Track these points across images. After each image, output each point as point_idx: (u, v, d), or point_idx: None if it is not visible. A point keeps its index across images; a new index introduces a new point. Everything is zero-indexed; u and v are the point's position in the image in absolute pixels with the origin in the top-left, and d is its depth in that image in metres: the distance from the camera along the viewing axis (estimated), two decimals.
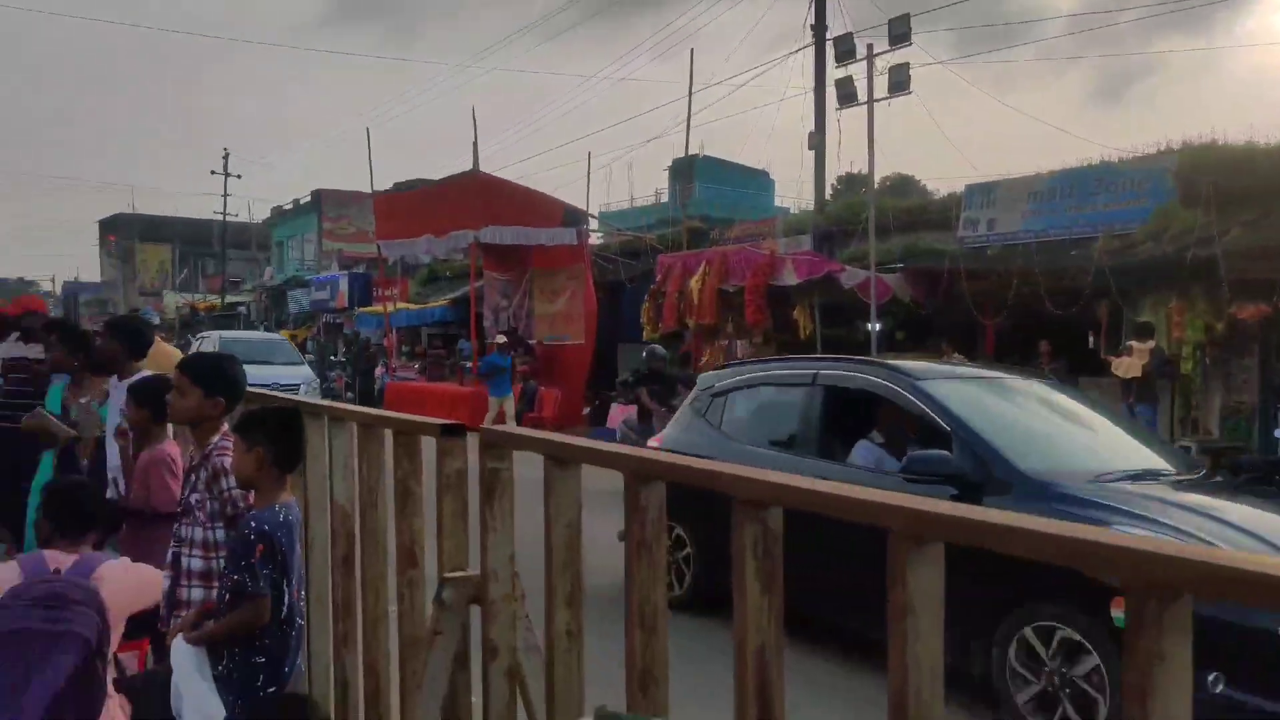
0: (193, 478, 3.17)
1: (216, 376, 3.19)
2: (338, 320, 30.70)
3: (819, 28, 19.71)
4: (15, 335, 7.18)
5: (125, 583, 3.54)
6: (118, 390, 4.84)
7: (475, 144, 19.21)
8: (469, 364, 18.09)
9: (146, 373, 4.86)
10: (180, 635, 2.81)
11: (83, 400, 5.08)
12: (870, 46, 13.40)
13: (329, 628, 2.69)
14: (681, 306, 15.29)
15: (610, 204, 29.70)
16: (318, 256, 43.88)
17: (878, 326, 12.68)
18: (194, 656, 2.73)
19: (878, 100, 13.09)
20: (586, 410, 17.43)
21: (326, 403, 3.60)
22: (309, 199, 45.87)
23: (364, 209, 43.20)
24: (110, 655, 3.52)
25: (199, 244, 55.79)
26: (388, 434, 2.36)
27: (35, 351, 6.77)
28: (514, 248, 19.10)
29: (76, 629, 3.33)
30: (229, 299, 43.83)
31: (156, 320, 21.38)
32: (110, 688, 3.49)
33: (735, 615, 1.28)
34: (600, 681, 1.77)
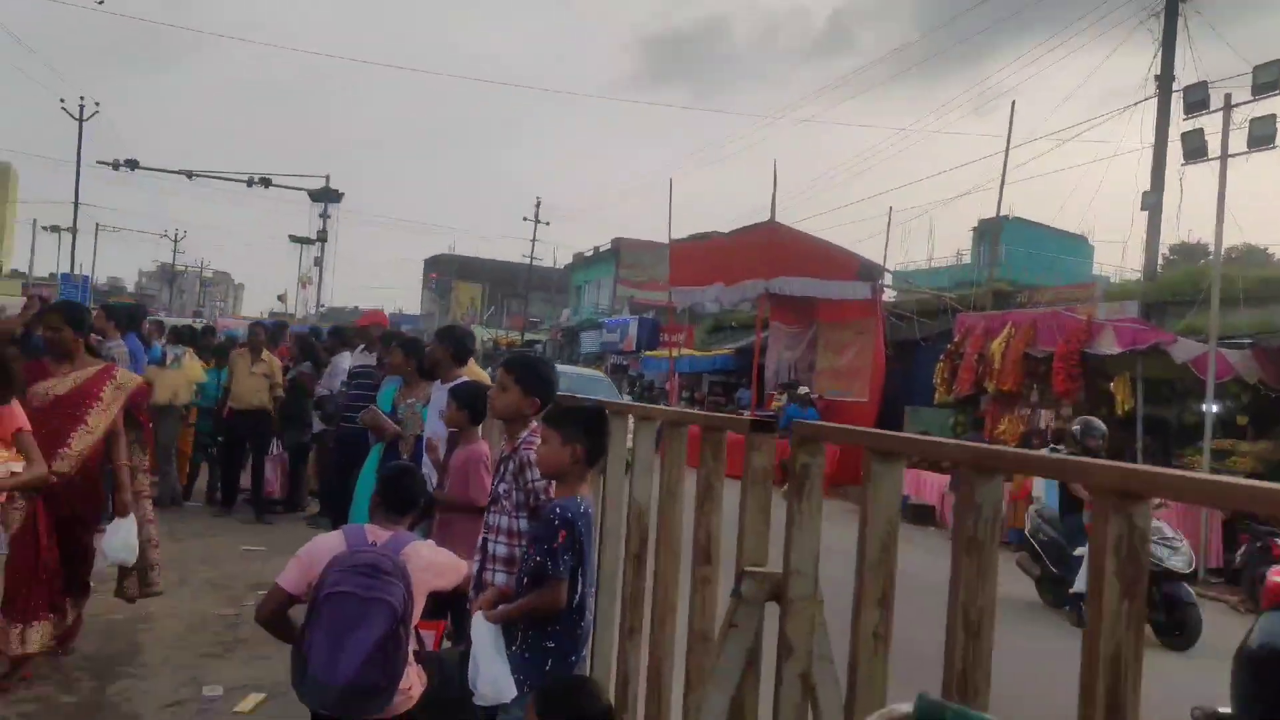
0: (502, 469, 3.38)
1: (536, 378, 3.40)
2: (624, 362, 32.10)
3: (1164, 77, 18.16)
4: (361, 347, 8.14)
5: (429, 561, 3.83)
6: (439, 393, 5.30)
7: (774, 196, 19.46)
8: (746, 413, 18.19)
9: (466, 378, 5.30)
10: (480, 612, 2.98)
11: (409, 402, 5.63)
12: (1228, 97, 12.11)
13: (615, 620, 2.74)
14: (980, 370, 14.40)
15: (908, 262, 28.83)
16: (611, 301, 46.21)
17: (1214, 408, 11.22)
18: (492, 633, 2.88)
19: (1233, 155, 11.75)
20: None
21: (633, 403, 3.74)
22: (608, 247, 48.55)
23: (658, 258, 45.11)
24: (412, 627, 3.81)
25: (506, 284, 60.64)
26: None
27: (374, 359, 7.65)
28: (803, 300, 19.04)
29: (386, 597, 3.64)
30: (528, 336, 47.26)
31: None
32: (410, 657, 3.78)
33: (1089, 618, 1.13)
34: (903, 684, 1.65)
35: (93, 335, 9.76)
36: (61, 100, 36.71)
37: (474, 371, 6.96)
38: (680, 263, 22.57)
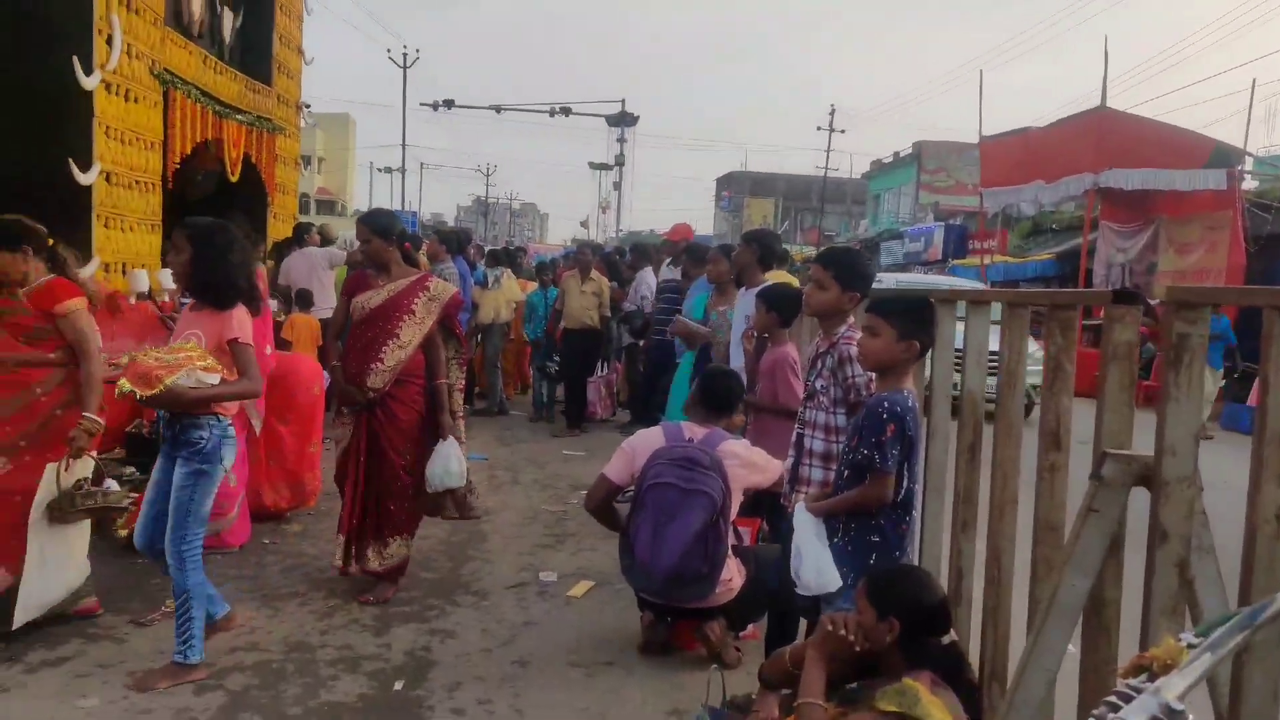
0: (818, 364, 3.30)
1: (854, 273, 3.27)
2: (929, 273, 30.60)
3: None
4: (668, 261, 8.35)
5: (745, 458, 3.87)
6: (745, 298, 5.29)
7: (1104, 78, 17.36)
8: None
9: (773, 281, 5.24)
10: (802, 504, 2.96)
11: (720, 309, 5.68)
12: None
13: (944, 515, 2.60)
14: None
15: (1274, 145, 24.74)
16: (913, 210, 44.08)
17: None
18: (814, 525, 2.85)
19: None
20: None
21: (968, 287, 3.49)
22: (909, 151, 46.15)
23: (964, 160, 42.17)
24: (730, 521, 3.89)
25: (799, 199, 59.63)
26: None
27: (680, 274, 7.82)
28: (1140, 193, 17.01)
29: (705, 489, 3.73)
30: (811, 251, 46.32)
31: None
32: (729, 550, 3.86)
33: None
34: None
35: (424, 258, 10.88)
36: (388, 50, 40.40)
37: (781, 276, 6.90)
38: (992, 162, 20.97)
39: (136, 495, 5.34)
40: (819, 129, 49.84)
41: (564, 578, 4.98)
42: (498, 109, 31.53)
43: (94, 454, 3.94)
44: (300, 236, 9.47)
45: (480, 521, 5.88)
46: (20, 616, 3.68)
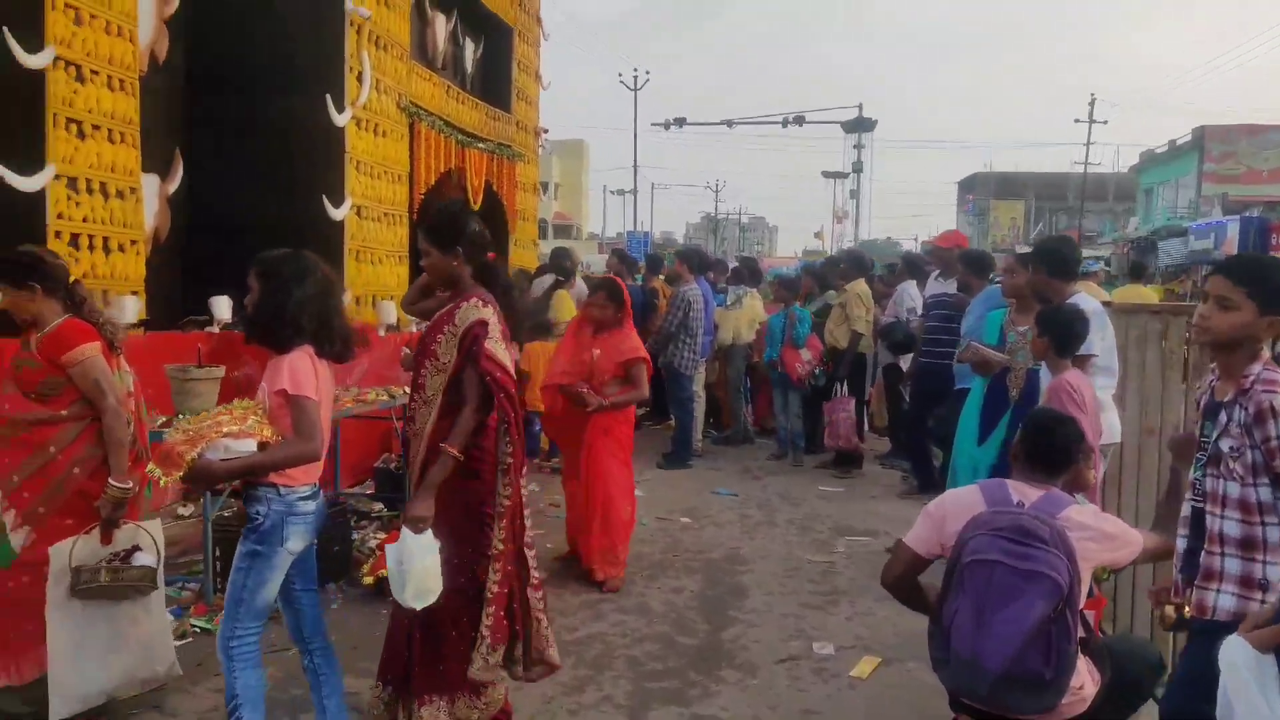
0: (1222, 418, 2.41)
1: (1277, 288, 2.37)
2: None
3: None
4: (936, 273, 7.41)
5: (1096, 530, 2.98)
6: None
7: None
8: None
9: (1074, 299, 4.31)
10: (1237, 639, 2.09)
11: (1020, 329, 4.76)
12: None
13: None
14: None
15: None
16: (1195, 202, 39.51)
17: None
18: (1256, 663, 1.99)
19: None
20: None
21: None
22: (1188, 139, 41.52)
23: (1259, 144, 37.39)
24: (1078, 610, 3.01)
25: (1053, 197, 55.39)
26: None
27: (954, 288, 6.86)
28: None
29: (1047, 570, 2.86)
30: (1086, 253, 42.41)
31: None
32: (1078, 647, 2.99)
33: None
34: None
35: (665, 280, 10.44)
36: (619, 74, 41.26)
37: (1093, 290, 5.86)
38: None
39: (385, 536, 5.23)
40: (1077, 121, 46.09)
41: (842, 650, 4.23)
42: (729, 123, 31.19)
43: (133, 522, 3.37)
44: (560, 265, 9.12)
45: (740, 570, 5.24)
46: (59, 708, 3.14)
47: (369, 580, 4.57)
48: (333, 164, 6.95)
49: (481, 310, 3.06)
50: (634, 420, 5.45)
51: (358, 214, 7.18)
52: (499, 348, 3.06)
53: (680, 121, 31.62)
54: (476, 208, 9.75)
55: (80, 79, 5.44)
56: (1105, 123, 60.96)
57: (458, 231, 3.15)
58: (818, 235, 39.42)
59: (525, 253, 11.43)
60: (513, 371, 3.16)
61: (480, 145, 9.68)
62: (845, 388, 7.99)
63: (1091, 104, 45.75)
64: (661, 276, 10.01)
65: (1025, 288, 4.78)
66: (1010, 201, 59.55)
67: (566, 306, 8.07)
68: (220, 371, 4.80)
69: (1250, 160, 34.24)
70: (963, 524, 3.05)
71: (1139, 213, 45.22)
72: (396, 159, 7.84)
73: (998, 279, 5.81)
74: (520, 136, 11.15)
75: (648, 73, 41.68)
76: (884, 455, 8.44)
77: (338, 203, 6.85)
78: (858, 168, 32.44)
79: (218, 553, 4.47)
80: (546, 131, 12.04)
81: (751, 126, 32.96)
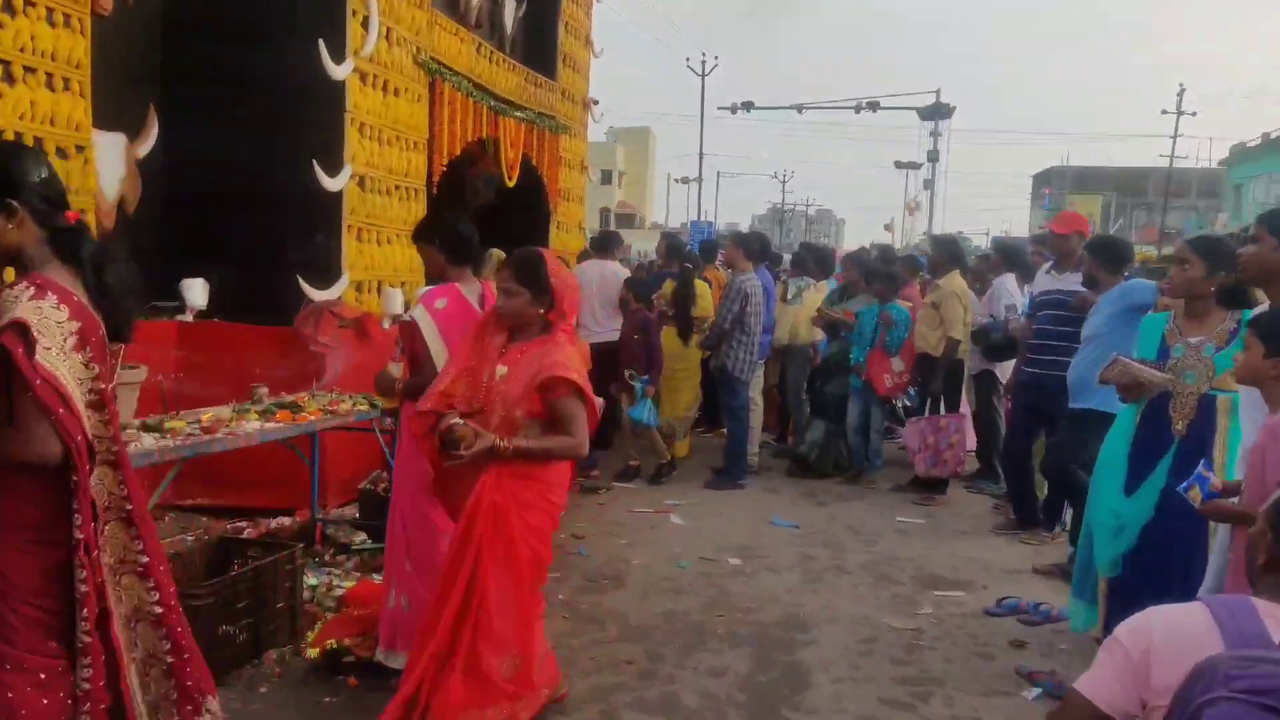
0: None
1: None
2: None
3: None
4: (1048, 266, 6.13)
5: None
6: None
7: None
8: None
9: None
10: None
11: (1192, 341, 3.53)
12: None
13: None
14: None
15: None
16: None
17: None
18: None
19: None
20: None
21: None
22: None
23: None
24: None
25: (1133, 193, 52.90)
26: None
27: (1072, 282, 5.59)
28: None
29: None
30: (1165, 251, 40.05)
31: None
32: None
33: None
34: None
35: (720, 267, 9.31)
36: (686, 59, 40.02)
37: None
38: None
39: (352, 584, 4.16)
40: (1164, 113, 43.53)
41: None
42: (799, 108, 29.71)
43: None
44: (604, 245, 8.10)
45: (800, 641, 4.09)
46: None
47: (313, 651, 3.52)
48: (329, 124, 5.93)
49: (31, 304, 1.93)
50: (563, 493, 3.11)
51: (360, 185, 6.16)
52: (65, 364, 1.95)
53: (748, 105, 30.28)
54: (511, 184, 8.72)
55: (9, 9, 4.49)
56: (1195, 114, 57.64)
57: (9, 176, 2.05)
58: (887, 228, 37.73)
59: (569, 237, 10.36)
60: (73, 400, 1.97)
61: (517, 114, 8.62)
62: (942, 404, 6.78)
63: (1180, 95, 43.30)
64: (717, 264, 8.87)
65: (1198, 284, 3.56)
66: (1088, 196, 56.96)
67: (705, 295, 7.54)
68: (140, 374, 3.79)
69: None
70: (1183, 672, 1.85)
71: (1227, 208, 42.60)
72: (412, 123, 6.80)
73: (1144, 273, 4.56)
74: (566, 107, 10.07)
75: (716, 58, 40.12)
76: (970, 478, 7.19)
77: (333, 170, 5.84)
78: (933, 156, 30.75)
79: None
80: (597, 103, 10.94)
81: (821, 113, 31.62)
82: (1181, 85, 43.11)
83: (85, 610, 1.98)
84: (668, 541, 5.46)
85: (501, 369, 2.94)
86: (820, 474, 7.16)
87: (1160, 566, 3.47)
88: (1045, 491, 5.86)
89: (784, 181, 69.44)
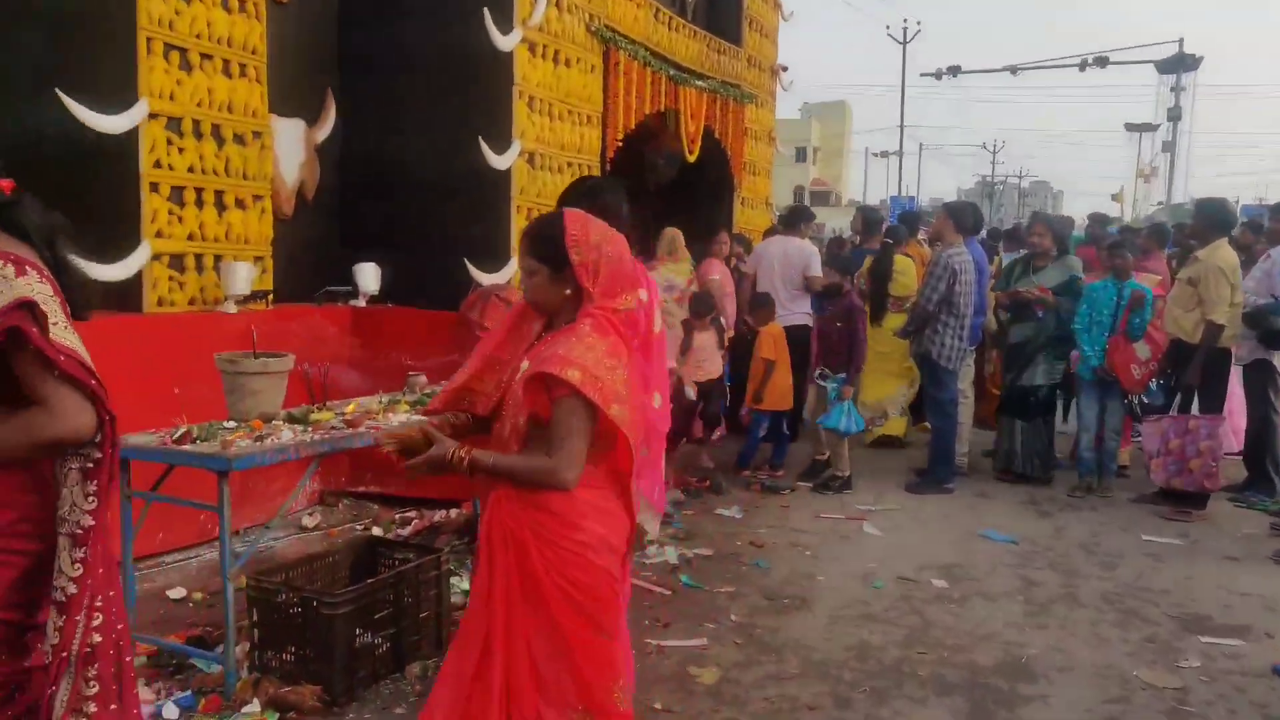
0: None
1: None
2: None
3: None
4: None
5: None
6: None
7: None
8: None
9: None
10: None
11: None
12: None
13: None
14: None
15: None
16: None
17: None
18: None
19: None
20: None
21: None
22: None
23: None
24: None
25: None
26: None
27: None
28: None
29: None
30: None
31: None
32: None
33: None
34: None
35: (923, 242, 8.42)
36: (887, 27, 38.18)
37: None
38: None
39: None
40: None
41: None
42: (1013, 69, 27.48)
43: None
44: (791, 220, 7.52)
45: (1024, 696, 3.35)
46: None
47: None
48: (497, 100, 5.62)
49: (22, 281, 1.65)
50: (600, 543, 2.26)
51: (529, 162, 5.83)
52: (75, 337, 1.71)
53: (954, 70, 28.36)
54: (692, 158, 8.20)
55: None
56: None
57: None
58: (1115, 198, 34.23)
59: (755, 214, 9.74)
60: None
61: (698, 83, 8.08)
62: (1196, 400, 5.67)
63: None
64: (920, 239, 8.00)
65: None
66: None
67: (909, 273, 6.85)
68: (288, 363, 3.55)
69: None
70: None
71: None
72: (585, 95, 6.41)
73: None
74: (752, 75, 9.43)
75: (919, 23, 38.05)
76: (1237, 488, 6.03)
77: (501, 148, 5.52)
78: (1174, 115, 27.56)
79: (255, 617, 3.23)
80: (786, 70, 10.22)
81: (1038, 76, 29.07)
82: None
83: (70, 615, 1.67)
84: (860, 555, 4.79)
85: (525, 364, 2.30)
86: (1027, 478, 6.21)
87: None
88: None
89: (994, 152, 65.24)
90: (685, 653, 3.55)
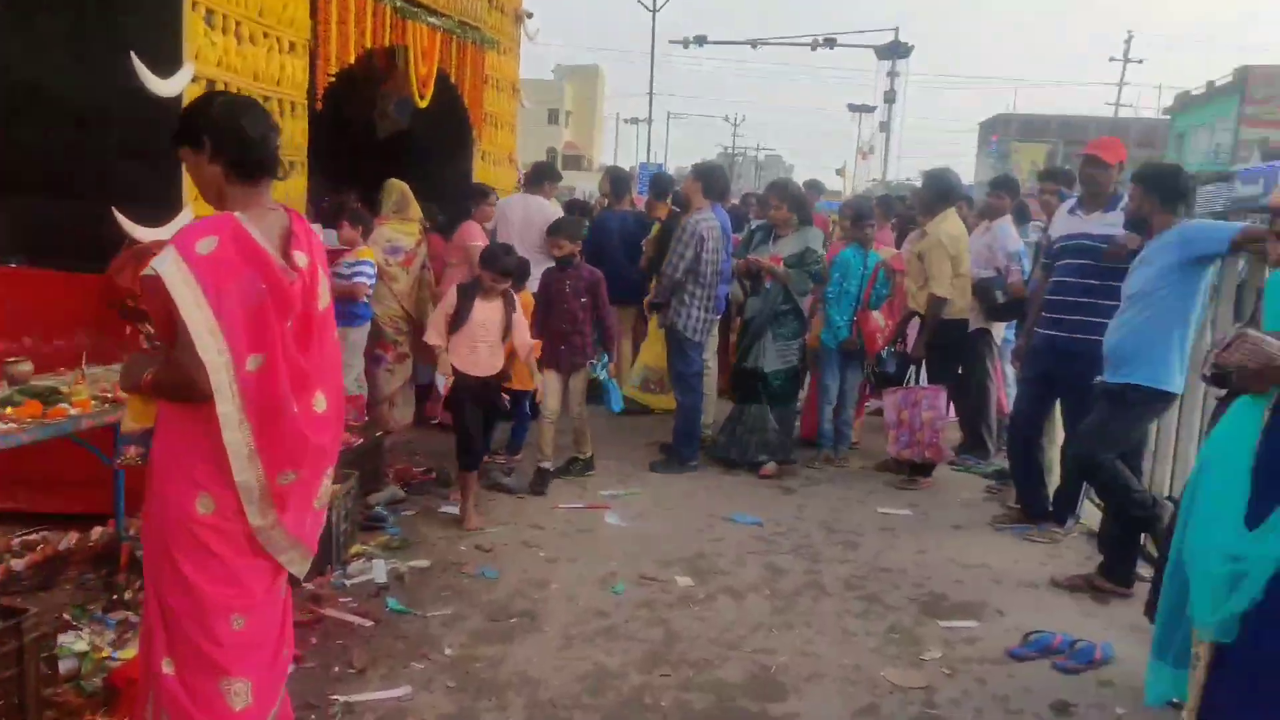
0: None
1: None
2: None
3: None
4: (1071, 202, 5.04)
5: None
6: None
7: None
8: None
9: None
10: None
11: None
12: None
13: None
14: None
15: None
16: (1234, 147, 36.84)
17: None
18: None
19: None
20: None
21: None
22: (1229, 80, 38.62)
23: None
24: None
25: (1079, 141, 52.71)
26: None
27: (1104, 224, 4.52)
28: None
29: None
30: None
31: None
32: None
33: None
34: None
35: (669, 204, 8.13)
36: None
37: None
38: None
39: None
40: (1111, 60, 43.17)
41: None
42: (753, 44, 28.33)
43: None
44: (535, 178, 6.99)
45: (770, 713, 2.99)
46: None
47: None
48: (163, 7, 4.55)
49: None
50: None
51: (211, 92, 4.80)
52: None
53: (700, 40, 28.77)
54: (424, 104, 7.36)
55: None
56: (1141, 62, 57.43)
57: None
58: (839, 173, 36.46)
59: (499, 171, 9.02)
60: None
61: (431, 19, 7.22)
62: (923, 374, 5.63)
63: (1128, 42, 42.82)
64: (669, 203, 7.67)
65: None
66: (1033, 144, 56.56)
67: None
68: None
69: None
70: None
71: (1169, 157, 42.33)
72: (286, 17, 5.41)
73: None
74: (494, 18, 8.65)
75: None
76: (958, 451, 6.16)
77: (167, 71, 4.47)
78: (890, 98, 29.58)
79: None
80: (531, 16, 9.53)
81: (776, 54, 30.26)
82: (1129, 32, 42.64)
83: None
84: (601, 553, 4.33)
85: None
86: (732, 463, 5.74)
87: None
88: (1066, 479, 4.84)
89: (735, 125, 67.97)
90: (382, 710, 2.88)
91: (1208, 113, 40.61)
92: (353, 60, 6.19)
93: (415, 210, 6.40)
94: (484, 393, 4.68)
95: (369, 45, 6.37)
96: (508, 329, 4.73)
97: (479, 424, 4.70)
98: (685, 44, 28.77)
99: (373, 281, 5.77)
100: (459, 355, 4.62)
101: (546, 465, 5.23)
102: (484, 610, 3.62)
